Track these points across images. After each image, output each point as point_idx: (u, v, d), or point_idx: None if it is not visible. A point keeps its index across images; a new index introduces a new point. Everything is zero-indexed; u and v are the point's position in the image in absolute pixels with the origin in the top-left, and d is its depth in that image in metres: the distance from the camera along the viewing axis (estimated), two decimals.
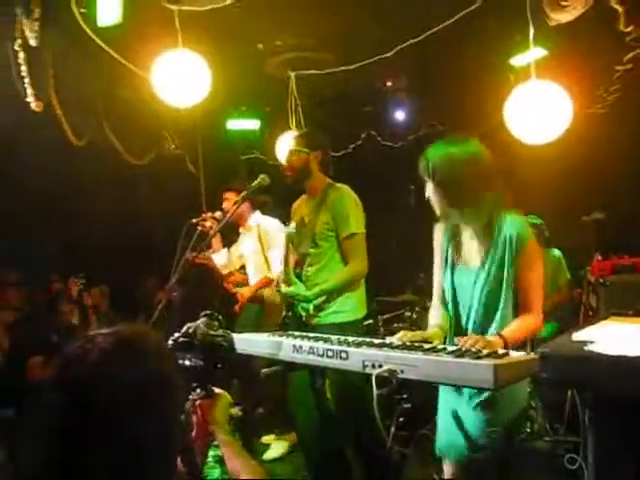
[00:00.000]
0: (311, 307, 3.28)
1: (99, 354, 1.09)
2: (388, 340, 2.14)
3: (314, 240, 3.32)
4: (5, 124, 4.16)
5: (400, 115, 6.38)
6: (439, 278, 2.39)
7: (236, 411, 1.93)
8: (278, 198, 4.63)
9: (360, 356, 1.97)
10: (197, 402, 1.80)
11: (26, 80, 3.42)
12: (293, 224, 3.44)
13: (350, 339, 2.20)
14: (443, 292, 2.35)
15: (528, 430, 3.19)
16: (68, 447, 1.06)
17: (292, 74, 5.49)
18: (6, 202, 5.45)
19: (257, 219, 4.59)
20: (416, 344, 2.06)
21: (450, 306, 2.31)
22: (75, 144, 4.50)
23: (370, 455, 3.24)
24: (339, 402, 3.30)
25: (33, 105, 3.59)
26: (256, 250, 4.54)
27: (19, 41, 3.24)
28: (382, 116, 6.37)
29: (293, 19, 4.88)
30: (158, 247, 6.60)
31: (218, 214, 4.06)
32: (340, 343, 2.12)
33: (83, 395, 1.06)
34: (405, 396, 3.97)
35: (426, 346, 2.04)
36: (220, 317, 1.92)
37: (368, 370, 1.92)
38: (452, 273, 2.32)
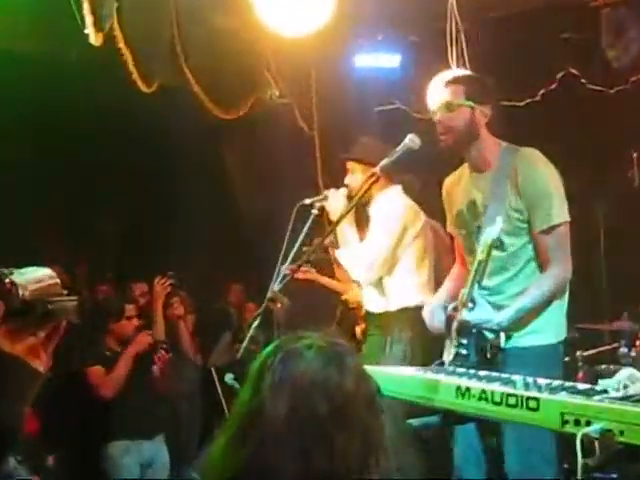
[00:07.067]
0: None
1: (316, 352, 1.63)
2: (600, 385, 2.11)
3: (497, 236, 3.29)
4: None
5: (620, 46, 6.13)
6: None
7: None
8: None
9: (558, 406, 1.96)
10: None
11: (85, 5, 3.65)
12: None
13: (542, 381, 2.19)
14: None
15: None
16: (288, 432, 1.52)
17: None
18: None
19: (393, 199, 4.36)
20: None
21: None
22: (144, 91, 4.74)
23: None
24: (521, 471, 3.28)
25: (92, 38, 3.84)
26: None
27: None
28: (590, 47, 6.13)
29: None
30: (250, 233, 6.91)
31: (342, 191, 4.11)
32: (528, 386, 2.12)
33: (300, 385, 1.58)
34: (614, 476, 3.82)
35: None
36: None
37: (569, 428, 1.92)
38: None
